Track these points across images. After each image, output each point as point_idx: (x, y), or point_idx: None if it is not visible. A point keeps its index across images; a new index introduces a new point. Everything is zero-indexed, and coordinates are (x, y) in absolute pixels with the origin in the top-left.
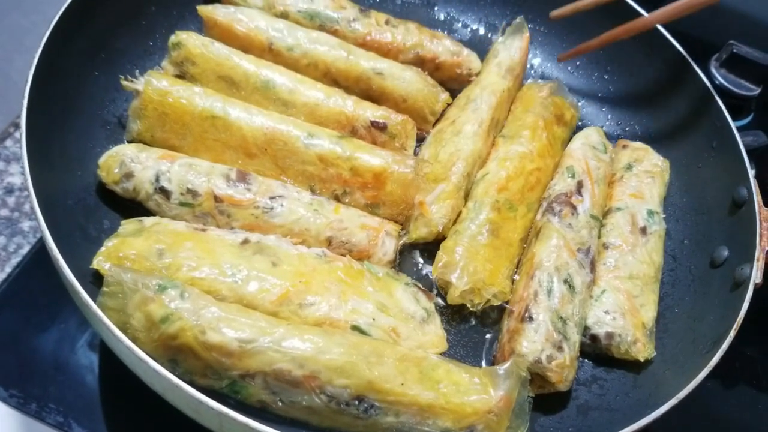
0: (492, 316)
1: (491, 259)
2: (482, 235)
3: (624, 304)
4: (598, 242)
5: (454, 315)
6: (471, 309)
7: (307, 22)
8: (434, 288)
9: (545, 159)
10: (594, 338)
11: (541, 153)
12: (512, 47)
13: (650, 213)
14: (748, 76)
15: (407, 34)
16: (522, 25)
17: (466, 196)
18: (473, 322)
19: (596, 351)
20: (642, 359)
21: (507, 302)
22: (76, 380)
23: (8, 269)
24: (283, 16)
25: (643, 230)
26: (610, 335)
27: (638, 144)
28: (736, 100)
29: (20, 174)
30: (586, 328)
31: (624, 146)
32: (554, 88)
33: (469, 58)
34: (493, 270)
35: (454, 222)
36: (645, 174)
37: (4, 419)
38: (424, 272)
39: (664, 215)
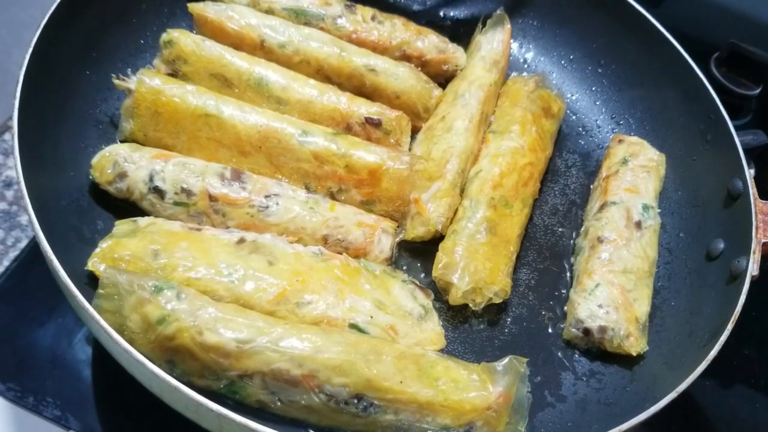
0: (491, 314)
1: (490, 257)
2: (480, 234)
3: (618, 298)
4: (593, 236)
5: (452, 313)
6: (473, 308)
7: (292, 19)
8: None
9: (536, 153)
10: (587, 331)
11: (532, 147)
12: (494, 40)
13: (645, 207)
14: (749, 75)
15: (393, 31)
16: (502, 17)
17: (462, 193)
18: (471, 320)
19: (589, 344)
20: (634, 353)
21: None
22: (74, 374)
23: (6, 263)
24: (268, 13)
25: (638, 224)
26: (603, 329)
27: (634, 138)
28: (736, 99)
29: None
30: (579, 321)
31: (620, 141)
32: (539, 81)
33: (455, 55)
34: (493, 268)
35: (451, 221)
36: (640, 168)
37: (2, 412)
38: (421, 273)
39: (659, 209)
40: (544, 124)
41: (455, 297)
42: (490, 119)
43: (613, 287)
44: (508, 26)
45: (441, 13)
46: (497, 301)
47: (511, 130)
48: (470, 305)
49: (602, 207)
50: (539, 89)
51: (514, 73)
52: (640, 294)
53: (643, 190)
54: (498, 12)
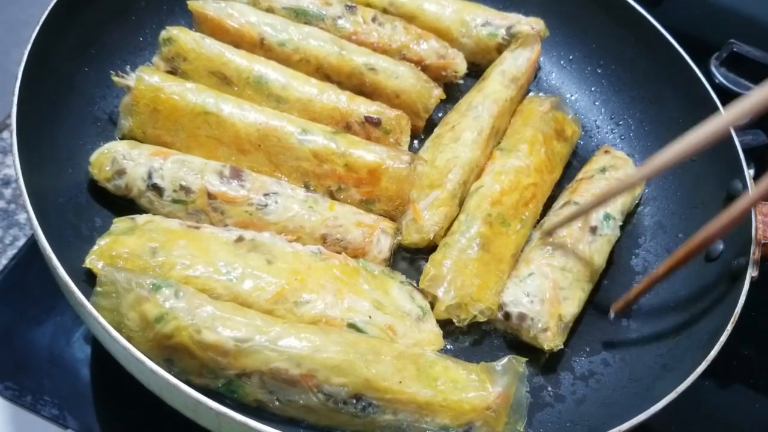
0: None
1: (480, 274)
2: (472, 249)
3: (547, 291)
4: (545, 229)
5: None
6: (457, 324)
7: (292, 18)
8: None
9: (542, 174)
10: (507, 316)
11: (538, 168)
12: (520, 57)
13: (607, 216)
14: (748, 75)
15: (394, 34)
16: (535, 38)
17: (461, 205)
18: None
19: (507, 329)
20: (546, 348)
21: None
22: (72, 373)
23: (4, 261)
24: (268, 11)
25: (594, 230)
26: (522, 316)
27: (620, 153)
28: (735, 99)
29: None
30: (502, 304)
31: (606, 152)
32: (555, 103)
33: (455, 61)
34: (481, 285)
35: (445, 234)
36: (616, 181)
37: (0, 411)
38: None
39: (649, 214)
40: (555, 146)
41: (439, 311)
42: (501, 135)
43: (546, 280)
44: (537, 47)
45: None
46: (482, 319)
47: (519, 148)
48: (454, 321)
49: (564, 204)
50: (554, 111)
51: (531, 93)
52: (572, 295)
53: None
54: (534, 28)
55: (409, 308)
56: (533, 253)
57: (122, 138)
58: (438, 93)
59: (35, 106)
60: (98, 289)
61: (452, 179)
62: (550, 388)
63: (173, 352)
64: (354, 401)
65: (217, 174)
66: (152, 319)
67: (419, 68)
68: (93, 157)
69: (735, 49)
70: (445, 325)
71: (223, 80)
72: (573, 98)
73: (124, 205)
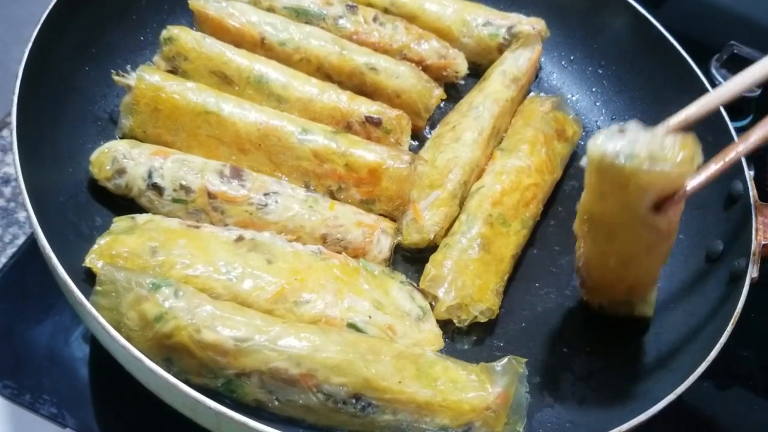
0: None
1: (481, 274)
2: (473, 250)
3: None
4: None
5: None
6: (457, 325)
7: (293, 18)
8: None
9: (543, 175)
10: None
11: (539, 168)
12: (521, 57)
13: None
14: None
15: (395, 34)
16: (536, 38)
17: (462, 205)
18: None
19: None
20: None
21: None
22: (70, 372)
23: (3, 260)
24: (269, 11)
25: None
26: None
27: None
28: (736, 101)
29: None
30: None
31: None
32: (556, 103)
33: (455, 61)
34: (482, 286)
35: (446, 232)
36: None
37: None
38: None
39: None
40: (556, 146)
41: (440, 312)
42: (502, 135)
43: None
44: (538, 47)
45: None
46: (483, 320)
47: (519, 149)
48: (455, 321)
49: None
50: (555, 111)
51: (532, 93)
52: None
53: None
54: (535, 28)
55: (409, 308)
56: None
57: (123, 137)
58: (439, 93)
59: (36, 104)
60: (98, 288)
61: (453, 179)
62: (550, 388)
63: (172, 352)
64: (353, 401)
65: (217, 173)
66: (152, 319)
67: (420, 68)
68: (93, 156)
69: (735, 51)
70: (445, 325)
71: (224, 80)
72: (574, 98)
73: (124, 204)
